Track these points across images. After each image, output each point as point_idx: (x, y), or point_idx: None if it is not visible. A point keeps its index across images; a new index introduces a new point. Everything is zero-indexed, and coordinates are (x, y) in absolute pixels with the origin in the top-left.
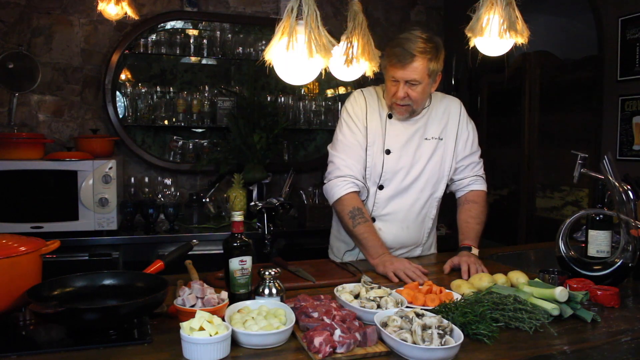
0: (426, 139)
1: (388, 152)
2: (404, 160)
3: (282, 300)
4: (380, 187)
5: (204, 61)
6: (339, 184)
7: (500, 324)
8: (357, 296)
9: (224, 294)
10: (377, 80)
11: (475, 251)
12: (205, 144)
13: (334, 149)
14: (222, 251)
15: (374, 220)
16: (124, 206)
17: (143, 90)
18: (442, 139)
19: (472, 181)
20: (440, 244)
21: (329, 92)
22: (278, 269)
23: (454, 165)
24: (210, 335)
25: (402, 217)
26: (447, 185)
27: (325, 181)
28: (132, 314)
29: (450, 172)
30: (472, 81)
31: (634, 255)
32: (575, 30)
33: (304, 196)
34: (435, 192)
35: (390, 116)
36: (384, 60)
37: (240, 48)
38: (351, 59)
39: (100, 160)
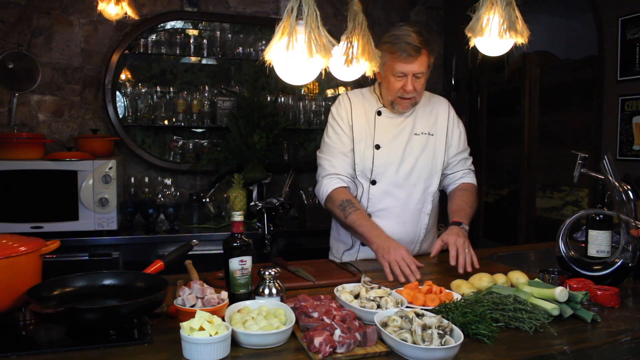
0: (416, 134)
1: (378, 147)
2: (394, 154)
3: (282, 300)
4: (373, 182)
5: (204, 61)
6: (325, 183)
7: (500, 324)
8: (357, 296)
9: (224, 294)
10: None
11: (465, 226)
12: (205, 144)
13: (321, 151)
14: (222, 251)
15: (369, 217)
16: (124, 206)
17: (143, 90)
18: (432, 135)
19: (464, 174)
20: None
21: (329, 92)
22: (278, 269)
23: (446, 160)
24: (210, 335)
25: (397, 212)
26: (440, 181)
27: (316, 185)
28: (132, 314)
29: (443, 167)
30: (472, 81)
31: (634, 255)
32: (575, 30)
33: (304, 196)
34: (429, 187)
35: (379, 113)
36: (384, 57)
37: (240, 48)
38: (351, 59)
39: (100, 160)
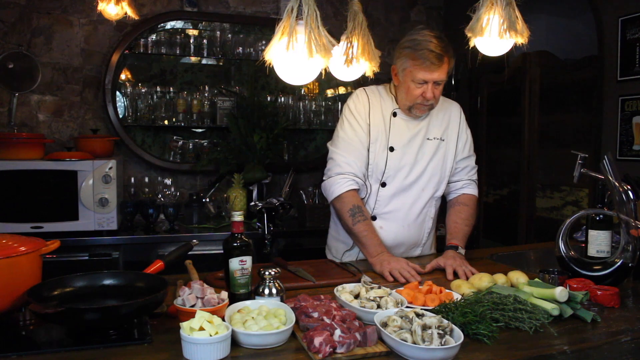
0: (428, 138)
1: (392, 149)
2: (407, 158)
3: (282, 300)
4: (383, 185)
5: (204, 61)
6: (339, 181)
7: (500, 324)
8: (357, 296)
9: (224, 294)
10: (376, 80)
11: (461, 251)
12: (205, 144)
13: (334, 145)
14: (222, 251)
15: (374, 218)
16: (124, 206)
17: (143, 90)
18: (443, 140)
19: (466, 185)
20: (440, 244)
21: (329, 92)
22: (278, 269)
23: (454, 166)
24: (210, 335)
25: (403, 215)
26: None
27: (324, 178)
28: (132, 314)
29: (451, 173)
30: (472, 81)
31: (634, 255)
32: (575, 30)
33: (304, 196)
34: (436, 192)
35: (395, 114)
36: (404, 62)
37: (240, 48)
38: (351, 59)
39: (100, 160)
